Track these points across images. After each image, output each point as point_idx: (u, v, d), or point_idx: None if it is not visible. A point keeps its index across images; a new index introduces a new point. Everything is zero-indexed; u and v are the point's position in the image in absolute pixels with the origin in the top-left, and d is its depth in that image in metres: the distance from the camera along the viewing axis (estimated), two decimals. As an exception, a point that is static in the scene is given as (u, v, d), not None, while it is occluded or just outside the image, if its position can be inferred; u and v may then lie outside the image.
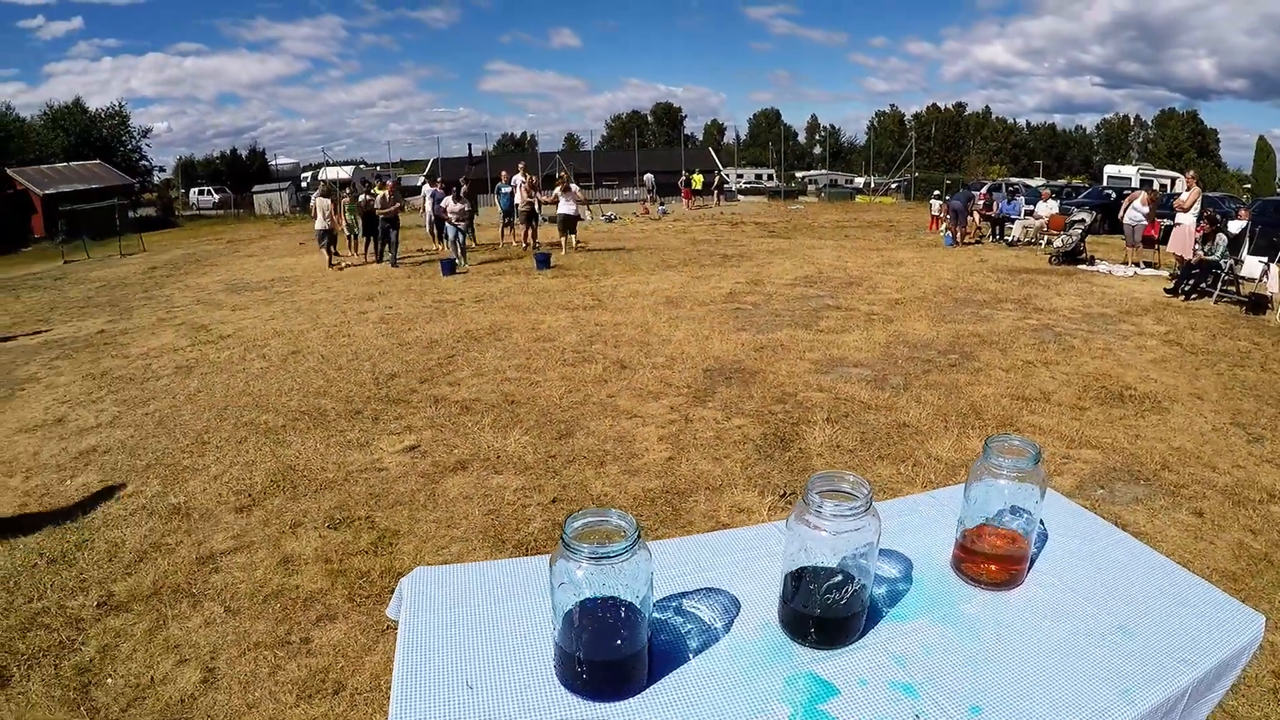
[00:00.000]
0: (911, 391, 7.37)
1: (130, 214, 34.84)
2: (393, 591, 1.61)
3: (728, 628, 1.43)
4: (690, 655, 1.35)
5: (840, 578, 1.32)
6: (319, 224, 18.15)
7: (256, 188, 53.22)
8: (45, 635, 3.95)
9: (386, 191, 17.97)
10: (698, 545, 1.75)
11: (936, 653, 1.35)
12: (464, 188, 17.74)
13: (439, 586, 1.59)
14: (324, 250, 18.43)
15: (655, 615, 1.36)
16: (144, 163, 62.64)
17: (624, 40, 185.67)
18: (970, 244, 21.40)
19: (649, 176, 42.42)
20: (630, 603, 1.23)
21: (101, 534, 4.99)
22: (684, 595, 1.51)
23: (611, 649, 1.25)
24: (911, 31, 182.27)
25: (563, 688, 1.27)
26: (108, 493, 5.64)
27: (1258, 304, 11.74)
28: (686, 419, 6.73)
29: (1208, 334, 9.93)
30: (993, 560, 1.54)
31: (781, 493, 5.27)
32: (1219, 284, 12.49)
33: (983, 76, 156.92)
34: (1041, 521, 1.63)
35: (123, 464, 6.14)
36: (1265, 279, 12.21)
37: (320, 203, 18.40)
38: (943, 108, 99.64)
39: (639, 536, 1.20)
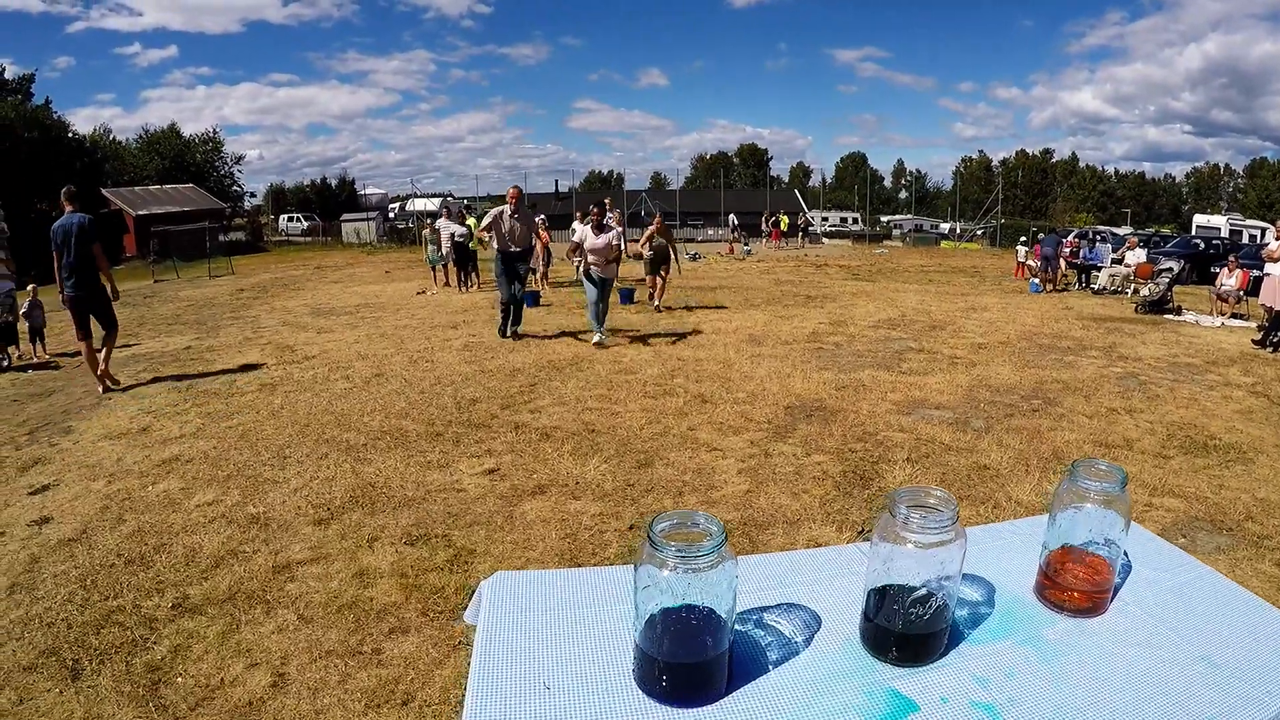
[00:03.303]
0: (993, 434, 7.23)
1: (220, 237, 36.12)
2: (466, 606, 1.63)
3: (808, 642, 1.42)
4: (770, 667, 1.35)
5: (924, 592, 1.31)
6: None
7: (345, 216, 54.59)
8: (119, 633, 4.05)
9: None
10: (779, 562, 1.75)
11: (1019, 675, 1.33)
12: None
13: (518, 591, 1.62)
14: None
15: (736, 627, 1.35)
16: (235, 188, 64.96)
17: (712, 81, 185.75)
18: (1057, 291, 21.03)
19: (733, 217, 42.77)
20: (713, 609, 1.23)
21: (180, 539, 5.11)
22: (764, 609, 1.51)
23: (693, 654, 1.25)
24: (1000, 77, 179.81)
25: (641, 692, 1.27)
26: (188, 500, 5.78)
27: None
28: (766, 454, 6.69)
29: (1297, 386, 9.60)
30: (1076, 587, 1.52)
31: (860, 529, 5.19)
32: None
33: (1071, 123, 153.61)
34: (1125, 552, 1.60)
35: (204, 473, 6.29)
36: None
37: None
38: (1030, 154, 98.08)
39: (725, 538, 1.21)
